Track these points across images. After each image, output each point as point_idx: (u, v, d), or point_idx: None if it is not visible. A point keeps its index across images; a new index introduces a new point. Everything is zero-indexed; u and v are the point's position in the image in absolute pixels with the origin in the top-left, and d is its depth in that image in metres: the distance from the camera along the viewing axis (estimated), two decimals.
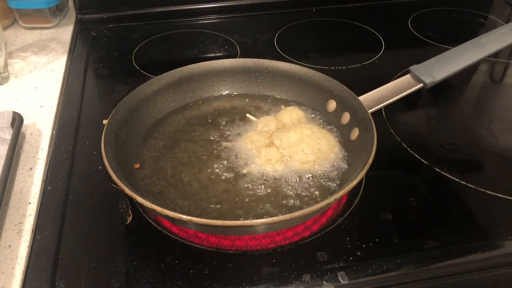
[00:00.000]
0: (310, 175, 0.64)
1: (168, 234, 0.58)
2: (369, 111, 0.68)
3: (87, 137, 0.75)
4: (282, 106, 0.77)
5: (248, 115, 0.76)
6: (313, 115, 0.76)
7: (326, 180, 0.64)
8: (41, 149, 0.73)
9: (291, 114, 0.74)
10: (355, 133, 0.69)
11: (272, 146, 0.68)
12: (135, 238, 0.58)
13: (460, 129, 0.80)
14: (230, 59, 0.83)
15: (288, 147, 0.67)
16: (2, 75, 0.90)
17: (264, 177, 0.64)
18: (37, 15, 1.09)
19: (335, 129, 0.73)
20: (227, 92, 0.83)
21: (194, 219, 0.52)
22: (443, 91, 0.88)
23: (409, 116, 0.83)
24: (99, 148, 0.61)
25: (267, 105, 0.80)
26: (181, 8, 1.17)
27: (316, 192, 0.62)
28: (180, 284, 0.52)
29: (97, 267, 0.54)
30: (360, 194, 0.64)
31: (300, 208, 0.60)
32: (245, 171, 0.65)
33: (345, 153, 0.68)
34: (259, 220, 0.53)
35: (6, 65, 0.91)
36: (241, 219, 0.58)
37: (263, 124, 0.73)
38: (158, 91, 0.77)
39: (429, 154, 0.72)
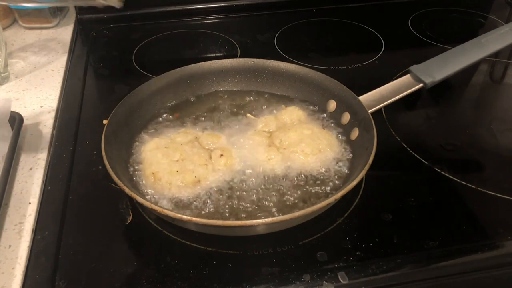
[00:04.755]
0: (310, 174, 0.64)
1: (168, 234, 0.58)
2: (369, 111, 0.68)
3: (87, 137, 0.75)
4: (283, 106, 0.77)
5: (248, 114, 0.76)
6: (313, 115, 0.76)
7: (326, 180, 0.64)
8: (41, 149, 0.73)
9: (292, 114, 0.74)
10: (355, 133, 0.69)
11: (272, 146, 0.68)
12: (135, 238, 0.58)
13: (460, 129, 0.80)
14: (230, 59, 0.83)
15: (288, 147, 0.67)
16: (2, 75, 0.90)
17: (264, 177, 0.64)
18: (37, 15, 1.09)
19: (335, 129, 0.73)
20: (227, 92, 0.83)
21: (194, 219, 0.52)
22: (443, 91, 0.88)
23: (409, 116, 0.83)
24: (99, 148, 0.61)
25: (267, 105, 0.80)
26: (181, 8, 1.17)
27: (316, 192, 0.62)
28: (180, 284, 0.52)
29: (97, 267, 0.54)
30: (360, 194, 0.64)
31: (301, 208, 0.60)
32: (245, 170, 0.65)
33: (345, 153, 0.68)
34: (259, 220, 0.53)
35: (6, 65, 0.91)
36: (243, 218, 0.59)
37: (264, 124, 0.73)
38: (158, 91, 0.77)
39: (429, 154, 0.72)
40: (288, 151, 0.66)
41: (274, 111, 0.77)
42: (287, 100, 0.81)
